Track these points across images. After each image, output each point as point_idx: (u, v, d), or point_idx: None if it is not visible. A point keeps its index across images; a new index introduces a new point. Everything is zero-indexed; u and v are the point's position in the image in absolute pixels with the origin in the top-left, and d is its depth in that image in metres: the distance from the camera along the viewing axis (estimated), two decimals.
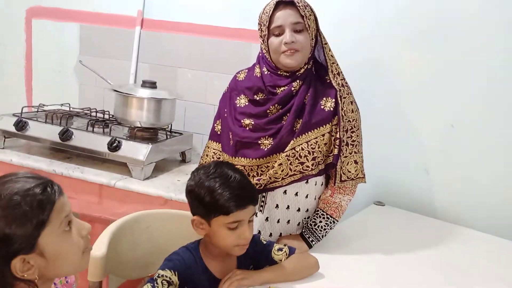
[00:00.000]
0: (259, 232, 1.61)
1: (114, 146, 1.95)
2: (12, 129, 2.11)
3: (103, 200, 1.90)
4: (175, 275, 1.20)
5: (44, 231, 0.83)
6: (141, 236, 1.48)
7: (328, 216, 1.58)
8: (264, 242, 1.37)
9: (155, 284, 1.17)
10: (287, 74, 1.54)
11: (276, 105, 1.53)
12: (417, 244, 1.71)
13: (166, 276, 1.19)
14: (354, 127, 1.57)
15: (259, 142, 1.53)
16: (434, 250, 1.69)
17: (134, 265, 1.46)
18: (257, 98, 1.56)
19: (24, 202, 0.83)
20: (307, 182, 1.56)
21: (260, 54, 1.59)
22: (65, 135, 2.02)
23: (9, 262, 0.81)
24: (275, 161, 1.51)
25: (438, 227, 1.93)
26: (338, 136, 1.52)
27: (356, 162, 1.59)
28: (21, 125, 2.10)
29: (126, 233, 1.43)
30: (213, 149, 1.68)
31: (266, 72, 1.56)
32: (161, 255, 1.29)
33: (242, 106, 1.58)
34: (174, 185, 1.94)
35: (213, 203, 1.19)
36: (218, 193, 1.18)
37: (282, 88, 1.53)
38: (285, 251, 1.35)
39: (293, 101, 1.52)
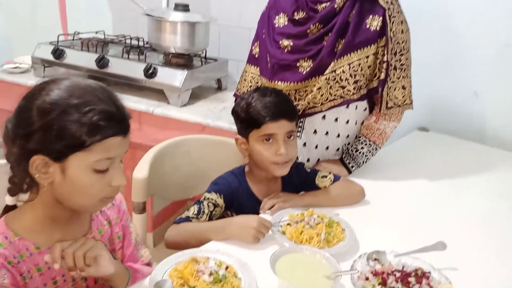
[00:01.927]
0: (297, 158, 1.59)
1: (150, 72, 1.93)
2: (50, 57, 2.13)
3: (143, 127, 1.93)
4: (220, 198, 1.22)
5: (79, 153, 0.79)
6: (182, 160, 1.50)
7: (371, 142, 1.54)
8: (308, 170, 1.36)
9: (201, 206, 1.20)
10: None
11: (317, 24, 1.43)
12: (463, 170, 1.65)
13: (212, 199, 1.21)
14: (404, 49, 1.45)
15: (298, 64, 1.45)
16: (482, 176, 1.63)
17: (176, 187, 1.50)
18: (297, 18, 1.46)
19: (87, 112, 0.77)
20: (347, 107, 1.49)
21: None
22: (102, 62, 2.02)
23: (32, 154, 0.78)
24: (314, 85, 1.44)
25: (487, 153, 1.86)
26: (385, 59, 1.42)
27: (404, 87, 1.49)
28: (58, 53, 2.12)
29: (167, 157, 1.45)
30: (251, 73, 1.62)
31: None
32: (201, 178, 1.32)
33: (281, 26, 1.49)
34: (211, 112, 1.93)
35: (247, 117, 1.21)
36: (251, 107, 1.20)
37: (324, 5, 1.42)
38: (330, 178, 1.34)
39: (336, 19, 1.41)
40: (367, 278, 0.96)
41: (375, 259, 1.03)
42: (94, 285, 0.96)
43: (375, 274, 0.96)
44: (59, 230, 0.89)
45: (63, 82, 0.82)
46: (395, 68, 1.45)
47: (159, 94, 1.99)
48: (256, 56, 1.59)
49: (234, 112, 1.28)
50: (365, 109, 1.55)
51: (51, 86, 0.81)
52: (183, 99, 1.96)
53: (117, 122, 0.82)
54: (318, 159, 1.58)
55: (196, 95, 2.09)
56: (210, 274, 0.93)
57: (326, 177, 1.34)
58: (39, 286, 0.86)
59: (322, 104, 1.45)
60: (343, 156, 1.56)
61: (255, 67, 1.60)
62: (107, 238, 1.00)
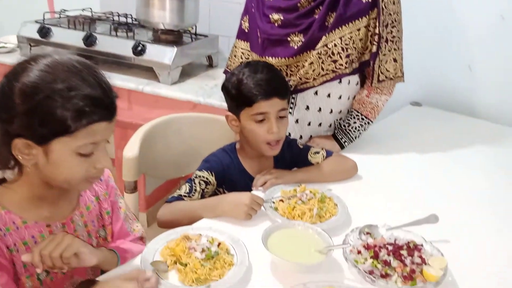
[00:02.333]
0: (289, 134, 1.58)
1: (138, 50, 1.89)
2: (36, 36, 2.08)
3: (132, 106, 1.90)
4: (212, 175, 1.21)
5: (62, 138, 0.77)
6: (173, 139, 1.48)
7: (363, 117, 1.52)
8: (301, 147, 1.35)
9: (193, 184, 1.19)
10: None
11: None
12: (456, 144, 1.65)
13: (203, 177, 1.20)
14: (395, 21, 1.43)
15: (289, 39, 1.43)
16: (474, 150, 1.63)
17: (168, 166, 1.49)
18: None
19: (72, 98, 0.74)
20: (340, 81, 1.47)
21: None
22: (89, 40, 1.98)
23: (15, 137, 0.76)
24: (306, 60, 1.41)
25: (479, 127, 1.85)
26: (377, 31, 1.39)
27: (395, 60, 1.47)
28: (44, 31, 2.07)
29: (158, 135, 1.43)
30: (241, 48, 1.59)
31: None
32: (194, 156, 1.30)
33: (271, 0, 1.46)
34: (202, 90, 1.90)
35: (239, 95, 1.19)
36: (243, 84, 1.18)
37: None
38: (322, 154, 1.33)
39: None
40: (359, 252, 0.96)
41: (367, 233, 1.03)
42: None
43: (367, 247, 0.96)
44: (47, 208, 0.89)
45: (46, 60, 0.78)
46: (386, 41, 1.43)
47: (149, 72, 1.96)
48: (246, 30, 1.56)
49: (224, 88, 1.25)
50: (357, 83, 1.53)
51: (32, 66, 0.77)
52: (173, 77, 1.93)
53: (103, 107, 0.79)
54: (311, 136, 1.57)
55: (187, 72, 2.06)
56: (202, 251, 0.93)
57: (318, 153, 1.33)
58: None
59: (314, 79, 1.43)
60: (336, 131, 1.55)
61: (245, 42, 1.57)
62: (95, 215, 0.99)
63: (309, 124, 1.54)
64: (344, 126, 1.53)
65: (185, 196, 1.17)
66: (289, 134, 1.55)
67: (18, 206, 0.86)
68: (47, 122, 0.75)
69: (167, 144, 1.46)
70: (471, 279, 0.95)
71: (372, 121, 1.54)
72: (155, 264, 0.90)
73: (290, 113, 1.51)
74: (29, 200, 0.87)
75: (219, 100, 1.74)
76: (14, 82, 0.76)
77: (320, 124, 1.55)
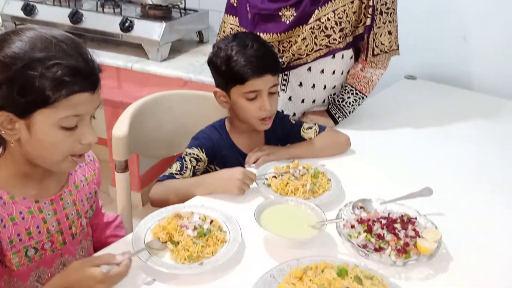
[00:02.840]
0: (282, 111, 1.56)
1: (126, 26, 1.84)
2: (21, 14, 2.02)
3: (122, 84, 1.86)
4: (202, 152, 1.19)
5: (43, 110, 0.75)
6: (164, 117, 1.45)
7: (357, 91, 1.50)
8: (293, 122, 1.33)
9: (184, 162, 1.17)
10: None
11: None
12: (451, 117, 1.64)
13: (194, 154, 1.19)
14: None
15: (280, 13, 1.38)
16: (469, 122, 1.62)
17: (160, 144, 1.47)
18: None
19: (51, 67, 0.73)
20: (333, 56, 1.44)
21: None
22: (75, 17, 1.92)
23: None
24: (298, 35, 1.38)
25: (475, 99, 1.83)
26: (370, 3, 1.35)
27: (390, 32, 1.44)
28: (29, 9, 2.01)
29: (148, 113, 1.40)
30: (230, 24, 1.54)
31: None
32: (186, 135, 1.28)
33: None
34: (192, 66, 1.86)
35: (229, 72, 1.15)
36: (233, 60, 1.13)
37: None
38: (315, 129, 1.31)
39: None
40: (352, 226, 0.95)
41: (361, 207, 1.02)
42: (71, 240, 0.95)
43: (361, 222, 0.96)
44: (34, 185, 0.87)
45: (27, 33, 0.76)
46: (381, 13, 1.39)
47: (138, 49, 1.91)
48: (235, 5, 1.51)
49: (211, 64, 1.20)
50: (351, 57, 1.50)
51: (13, 38, 0.75)
52: (163, 54, 1.89)
53: (84, 77, 0.77)
54: (304, 113, 1.54)
55: (177, 48, 2.01)
56: (194, 228, 0.92)
57: (311, 128, 1.31)
58: (12, 236, 0.84)
59: (307, 55, 1.40)
60: (329, 106, 1.53)
61: (234, 17, 1.52)
62: (84, 194, 0.98)
63: (302, 101, 1.51)
64: (338, 101, 1.51)
65: (176, 174, 1.15)
66: (282, 111, 1.53)
67: (5, 182, 0.84)
68: (26, 92, 0.73)
69: (157, 122, 1.43)
70: (465, 252, 0.95)
71: (366, 96, 1.52)
72: (150, 243, 0.89)
73: (283, 90, 1.48)
74: (16, 177, 0.85)
75: (210, 77, 1.69)
76: None
77: (314, 101, 1.52)
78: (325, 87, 1.50)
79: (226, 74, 1.16)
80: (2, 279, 0.87)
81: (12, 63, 0.73)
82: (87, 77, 0.78)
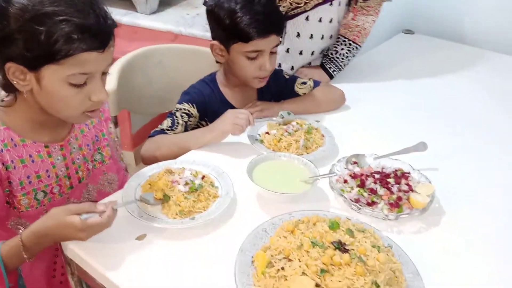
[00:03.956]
0: (280, 65, 1.51)
1: None
2: None
3: None
4: (193, 107, 1.16)
5: (51, 65, 0.75)
6: (154, 72, 1.41)
7: (350, 42, 1.45)
8: (287, 77, 1.29)
9: (175, 118, 1.14)
10: None
11: None
12: (448, 72, 1.61)
13: (185, 109, 1.16)
14: None
15: None
16: (466, 77, 1.59)
17: (150, 100, 1.43)
18: None
19: (58, 22, 0.71)
20: (331, 4, 1.38)
21: None
22: None
23: (7, 61, 0.75)
24: None
25: (471, 54, 1.79)
26: None
27: None
28: None
29: (137, 68, 1.36)
30: None
31: None
32: (177, 90, 1.24)
33: None
34: (183, 19, 1.79)
35: (233, 27, 1.08)
36: (238, 16, 1.07)
37: None
38: (309, 84, 1.28)
39: None
40: (345, 181, 0.95)
41: (354, 162, 1.01)
42: (78, 184, 0.97)
43: (354, 176, 0.95)
44: (46, 133, 0.89)
45: None
46: None
47: (126, 1, 1.84)
48: None
49: (213, 14, 1.12)
50: (347, 3, 1.45)
51: None
52: (152, 6, 1.81)
53: (93, 35, 0.75)
54: (302, 67, 1.50)
55: (166, 1, 1.93)
56: (186, 184, 0.90)
57: (305, 83, 1.28)
58: (21, 178, 0.86)
59: (305, 3, 1.34)
60: (323, 60, 1.49)
61: None
62: (90, 138, 0.99)
63: (300, 53, 1.47)
64: (332, 53, 1.47)
65: (167, 130, 1.12)
66: (280, 65, 1.49)
67: (19, 126, 0.86)
68: (33, 47, 0.72)
69: (147, 77, 1.39)
70: (458, 206, 0.94)
71: (359, 46, 1.47)
72: (143, 196, 0.87)
73: (281, 42, 1.43)
74: (29, 122, 0.86)
75: (202, 30, 1.65)
76: (4, 4, 0.73)
77: (312, 53, 1.48)
78: (322, 37, 1.45)
79: (228, 29, 1.09)
80: (10, 220, 0.89)
81: (20, 15, 0.72)
82: (97, 35, 0.75)
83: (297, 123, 1.13)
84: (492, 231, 0.89)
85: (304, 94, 1.28)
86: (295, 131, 1.11)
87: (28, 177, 0.87)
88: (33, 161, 0.87)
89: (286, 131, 1.11)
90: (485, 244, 0.85)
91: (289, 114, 1.16)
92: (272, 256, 0.72)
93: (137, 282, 0.73)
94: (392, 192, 0.90)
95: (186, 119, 1.14)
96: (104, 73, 0.83)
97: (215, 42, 1.15)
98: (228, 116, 1.06)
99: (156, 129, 1.13)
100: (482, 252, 0.83)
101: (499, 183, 1.05)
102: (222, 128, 1.06)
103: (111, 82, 1.23)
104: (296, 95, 1.28)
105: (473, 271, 0.79)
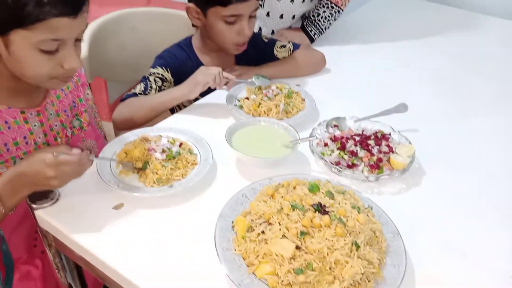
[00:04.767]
0: (260, 29, 1.47)
1: None
2: None
3: None
4: (167, 71, 1.12)
5: (20, 30, 0.70)
6: (127, 37, 1.35)
7: (333, 5, 1.41)
8: (266, 40, 1.25)
9: (148, 82, 1.10)
10: None
11: None
12: (429, 33, 1.59)
13: (158, 73, 1.12)
14: None
15: None
16: (447, 38, 1.58)
17: (124, 67, 1.38)
18: None
19: None
20: None
21: None
22: None
23: None
24: None
25: (453, 15, 1.78)
26: None
27: None
28: None
29: (109, 34, 1.30)
30: None
31: None
32: (152, 57, 1.19)
33: None
34: None
35: None
36: None
37: None
38: (289, 48, 1.24)
39: None
40: (326, 144, 0.93)
41: (335, 126, 1.00)
42: None
43: (334, 139, 0.93)
44: (21, 98, 0.86)
45: None
46: None
47: None
48: None
49: None
50: None
51: None
52: None
53: (64, 0, 0.70)
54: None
55: None
56: (163, 151, 0.88)
57: (285, 46, 1.24)
58: None
59: None
60: (304, 23, 1.45)
61: None
62: (67, 104, 0.96)
63: (281, 16, 1.42)
64: (313, 16, 1.43)
65: (140, 94, 1.09)
66: (260, 29, 1.44)
67: None
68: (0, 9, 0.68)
69: (120, 43, 1.33)
70: (438, 166, 0.95)
71: (342, 9, 1.43)
72: (123, 163, 0.85)
73: (260, 5, 1.38)
74: (2, 88, 0.83)
75: None
76: None
77: (293, 17, 1.44)
78: (303, 0, 1.41)
79: None
80: None
81: None
82: (67, 1, 0.70)
83: (277, 87, 1.11)
84: (471, 191, 0.90)
85: (284, 57, 1.25)
86: (275, 95, 1.08)
87: (5, 144, 0.84)
88: (9, 128, 0.84)
89: (266, 96, 1.08)
90: (465, 203, 0.86)
91: (264, 78, 1.12)
92: (252, 220, 0.71)
93: (117, 251, 0.72)
94: (372, 154, 0.89)
95: (159, 83, 1.10)
96: (78, 40, 0.78)
97: (191, 4, 1.10)
98: (200, 69, 1.03)
99: (129, 93, 1.10)
100: (462, 211, 0.84)
101: (478, 143, 1.05)
102: (193, 80, 1.02)
103: (82, 49, 1.17)
104: (276, 59, 1.25)
105: (453, 230, 0.80)
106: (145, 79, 1.11)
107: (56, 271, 0.89)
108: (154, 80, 1.10)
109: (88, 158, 0.76)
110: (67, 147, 0.75)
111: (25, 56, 0.73)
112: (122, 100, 1.08)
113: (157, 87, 1.10)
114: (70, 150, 0.74)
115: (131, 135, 0.94)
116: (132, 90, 1.09)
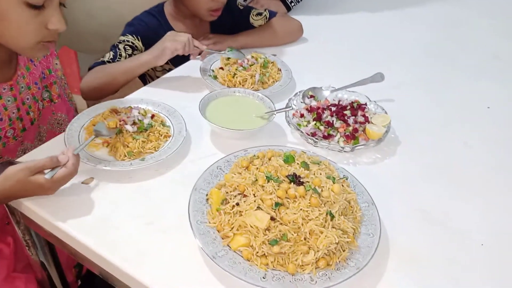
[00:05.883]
0: None
1: None
2: None
3: None
4: (138, 39, 1.08)
5: None
6: (96, 4, 1.29)
7: None
8: (241, 8, 1.21)
9: (117, 50, 1.05)
10: None
11: None
12: (408, 3, 1.58)
13: (128, 41, 1.07)
14: None
15: None
16: (424, 6, 1.57)
17: (94, 37, 1.32)
18: None
19: None
20: None
21: None
22: None
23: None
24: None
25: None
26: None
27: None
28: None
29: (78, 2, 1.23)
30: None
31: None
32: (122, 25, 1.14)
33: None
34: None
35: None
36: None
37: None
38: (265, 15, 1.20)
39: None
40: (302, 115, 0.92)
41: (311, 96, 0.98)
42: (30, 126, 0.91)
43: (310, 110, 0.92)
44: None
45: None
46: None
47: None
48: None
49: None
50: None
51: None
52: None
53: None
54: None
55: None
56: (134, 123, 0.85)
57: (260, 14, 1.21)
58: None
59: None
60: None
61: None
62: (37, 75, 0.92)
63: None
64: None
65: (109, 62, 1.04)
66: None
67: None
68: None
69: (88, 11, 1.27)
70: (413, 136, 0.95)
71: None
72: (95, 129, 0.81)
73: None
74: None
75: None
76: None
77: None
78: None
79: None
80: None
81: None
82: None
83: (253, 57, 1.08)
84: (446, 160, 0.90)
85: (260, 26, 1.21)
86: (251, 65, 1.05)
87: None
88: None
89: (241, 66, 1.05)
90: (440, 172, 0.87)
91: (237, 51, 1.08)
92: (227, 193, 0.70)
93: (87, 227, 0.70)
94: (348, 124, 0.88)
95: (129, 51, 1.06)
96: (62, 4, 0.76)
97: None
98: (168, 34, 0.99)
99: (97, 61, 1.05)
100: (437, 180, 0.85)
101: (454, 112, 1.05)
102: (161, 46, 0.98)
103: None
104: (252, 27, 1.21)
105: (428, 198, 0.80)
106: (114, 47, 1.06)
107: (27, 248, 0.86)
108: (124, 48, 1.05)
109: (75, 156, 0.72)
110: (52, 159, 0.69)
111: (11, 11, 0.70)
112: (90, 68, 1.03)
113: (127, 55, 1.05)
114: (56, 161, 0.69)
115: (100, 107, 0.90)
116: (101, 58, 1.05)
